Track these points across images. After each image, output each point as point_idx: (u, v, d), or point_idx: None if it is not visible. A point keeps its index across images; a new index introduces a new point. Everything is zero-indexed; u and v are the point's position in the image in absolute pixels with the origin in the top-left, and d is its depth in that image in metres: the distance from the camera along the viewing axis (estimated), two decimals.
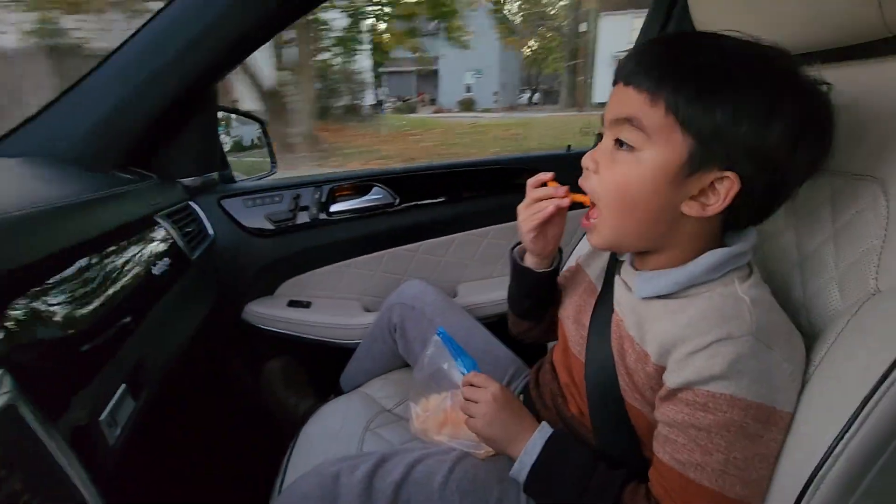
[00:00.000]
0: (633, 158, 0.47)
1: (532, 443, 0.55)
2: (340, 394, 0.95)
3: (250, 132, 1.27)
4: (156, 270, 0.73)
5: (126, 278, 0.65)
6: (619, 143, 0.49)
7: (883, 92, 0.50)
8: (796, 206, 0.55)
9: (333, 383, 1.01)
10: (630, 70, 0.47)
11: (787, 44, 0.46)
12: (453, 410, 0.67)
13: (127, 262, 0.67)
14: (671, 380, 0.46)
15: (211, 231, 1.00)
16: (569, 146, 1.27)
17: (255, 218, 1.06)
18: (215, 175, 1.08)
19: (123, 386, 0.58)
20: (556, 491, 0.53)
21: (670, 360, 0.47)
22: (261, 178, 1.21)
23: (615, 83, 0.50)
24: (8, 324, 0.42)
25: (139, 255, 0.71)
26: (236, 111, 1.21)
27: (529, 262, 0.67)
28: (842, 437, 0.39)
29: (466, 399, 0.61)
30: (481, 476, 0.60)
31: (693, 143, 0.45)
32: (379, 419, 0.80)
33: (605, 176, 0.50)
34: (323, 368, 1.04)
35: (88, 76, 0.82)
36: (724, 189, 0.45)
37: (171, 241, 0.81)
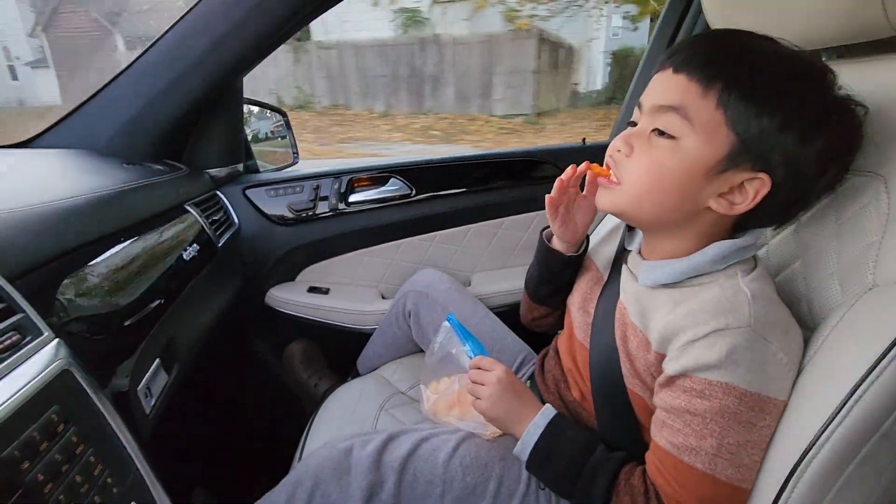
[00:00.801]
0: (673, 146, 0.47)
1: (535, 423, 0.57)
2: (357, 376, 0.99)
3: (270, 124, 1.31)
4: (185, 256, 0.77)
5: (159, 262, 0.70)
6: (660, 130, 0.48)
7: (887, 89, 0.49)
8: None
9: (351, 366, 1.05)
10: (683, 59, 0.47)
11: (794, 40, 0.47)
12: (461, 393, 0.69)
13: (160, 247, 0.72)
14: (670, 367, 0.48)
15: (236, 219, 1.05)
16: (584, 139, 1.28)
17: (277, 207, 1.10)
18: (240, 166, 1.13)
19: (157, 361, 0.63)
20: (555, 469, 0.55)
21: (670, 348, 0.48)
22: (283, 169, 1.26)
23: (662, 69, 0.49)
24: (60, 299, 0.47)
25: (171, 241, 0.76)
26: (260, 104, 1.23)
27: (558, 245, 0.68)
28: (827, 427, 0.41)
29: (473, 382, 0.63)
30: (484, 454, 0.62)
31: (735, 141, 0.45)
32: (393, 400, 0.84)
33: (640, 159, 0.50)
34: (341, 351, 1.08)
35: (122, 74, 0.87)
36: (754, 189, 0.46)
37: (199, 228, 0.86)
